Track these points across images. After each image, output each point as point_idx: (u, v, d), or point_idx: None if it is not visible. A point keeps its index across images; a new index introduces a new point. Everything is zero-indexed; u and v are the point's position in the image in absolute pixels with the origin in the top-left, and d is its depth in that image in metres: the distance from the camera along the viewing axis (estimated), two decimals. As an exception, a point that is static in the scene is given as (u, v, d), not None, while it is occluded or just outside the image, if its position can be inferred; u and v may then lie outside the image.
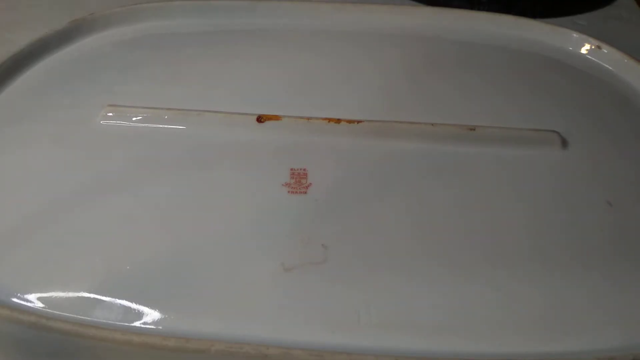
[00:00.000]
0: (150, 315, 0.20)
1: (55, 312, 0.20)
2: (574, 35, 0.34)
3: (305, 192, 0.24)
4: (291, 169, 0.25)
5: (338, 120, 0.27)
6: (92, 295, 0.21)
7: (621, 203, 0.24)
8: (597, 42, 0.33)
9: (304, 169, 0.25)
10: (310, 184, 0.25)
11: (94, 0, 0.45)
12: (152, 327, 0.20)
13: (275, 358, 0.18)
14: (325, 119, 0.27)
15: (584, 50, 0.33)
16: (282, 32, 0.35)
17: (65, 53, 0.34)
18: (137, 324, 0.20)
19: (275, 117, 0.27)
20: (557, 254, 0.22)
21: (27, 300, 0.21)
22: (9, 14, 0.47)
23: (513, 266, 0.21)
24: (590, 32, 0.48)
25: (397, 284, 0.21)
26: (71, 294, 0.21)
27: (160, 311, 0.20)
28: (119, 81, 0.32)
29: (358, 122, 0.27)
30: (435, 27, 0.34)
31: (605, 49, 0.33)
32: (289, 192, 0.24)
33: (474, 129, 0.26)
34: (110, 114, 0.29)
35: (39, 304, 0.21)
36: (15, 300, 0.21)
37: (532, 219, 0.23)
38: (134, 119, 0.28)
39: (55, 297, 0.21)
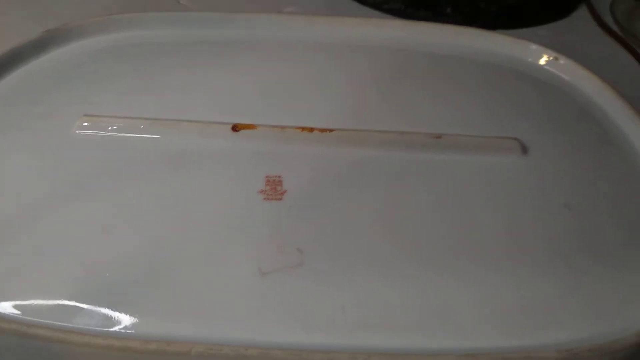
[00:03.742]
0: (130, 320, 0.21)
1: (35, 319, 0.20)
2: (533, 47, 0.35)
3: (281, 199, 0.25)
4: (266, 177, 0.26)
5: (311, 129, 0.28)
6: (71, 302, 0.21)
7: (577, 204, 0.26)
8: (554, 54, 0.35)
9: (279, 176, 0.26)
10: (285, 190, 0.26)
11: (67, 11, 0.46)
12: (132, 331, 0.20)
13: (254, 358, 0.19)
14: (299, 127, 0.28)
15: (542, 61, 0.35)
16: (255, 43, 0.36)
17: (40, 63, 0.34)
18: (117, 329, 0.20)
19: (250, 126, 0.28)
20: (520, 253, 0.24)
21: (7, 309, 0.21)
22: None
23: (478, 265, 0.23)
24: (550, 43, 0.50)
25: (371, 285, 0.22)
26: (49, 302, 0.22)
27: (140, 316, 0.21)
28: (94, 91, 0.32)
29: (330, 130, 0.28)
30: (402, 39, 0.36)
31: (562, 61, 0.35)
32: (264, 198, 0.25)
33: (440, 137, 0.28)
34: (86, 124, 0.29)
35: (18, 312, 0.21)
36: (-5, 308, 0.21)
37: (495, 221, 0.25)
38: (109, 128, 0.29)
39: (34, 304, 0.21)
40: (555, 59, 0.35)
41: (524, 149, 0.28)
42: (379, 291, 0.22)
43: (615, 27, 0.50)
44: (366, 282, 0.22)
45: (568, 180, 0.27)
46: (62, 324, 0.20)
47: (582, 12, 0.54)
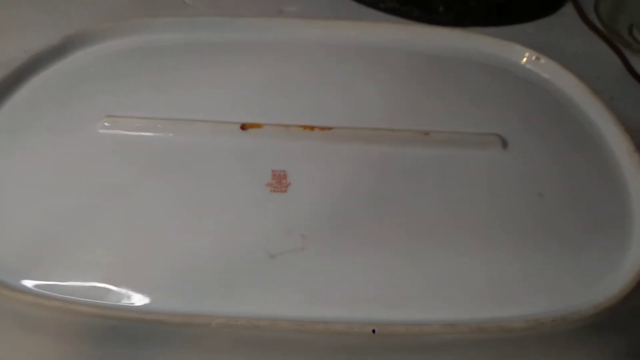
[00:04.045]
0: (160, 298, 0.24)
1: (77, 298, 0.24)
2: (516, 47, 0.38)
3: (285, 191, 0.28)
4: (272, 171, 0.29)
5: (312, 128, 0.31)
6: (105, 284, 0.25)
7: (550, 194, 0.29)
8: (536, 54, 0.38)
9: (284, 171, 0.29)
10: (290, 183, 0.29)
11: (83, 17, 0.48)
12: (162, 307, 0.23)
13: (265, 328, 0.22)
14: (301, 126, 0.31)
15: (524, 61, 0.38)
16: (259, 45, 0.38)
17: (61, 66, 0.37)
18: (148, 305, 0.24)
19: (257, 125, 0.31)
20: (497, 236, 0.27)
21: (51, 289, 0.24)
22: (4, 32, 0.49)
23: (459, 247, 0.26)
24: (537, 39, 0.53)
25: (364, 266, 0.25)
26: (89, 283, 0.25)
27: (168, 294, 0.24)
28: (112, 92, 0.35)
29: (329, 128, 0.31)
30: (395, 41, 0.38)
31: (543, 60, 0.38)
32: (270, 191, 0.28)
33: (428, 134, 0.31)
34: (108, 124, 0.32)
35: (61, 292, 0.24)
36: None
37: (476, 208, 0.28)
38: (130, 128, 0.32)
39: (75, 285, 0.25)
40: (537, 58, 0.38)
41: (504, 144, 0.31)
42: (371, 271, 0.25)
43: (599, 24, 0.53)
44: (360, 264, 0.25)
45: (543, 171, 0.30)
46: (100, 301, 0.24)
47: (568, 9, 0.56)
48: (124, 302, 0.24)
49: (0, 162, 0.30)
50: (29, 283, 0.24)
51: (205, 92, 0.35)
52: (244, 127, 0.31)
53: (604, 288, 0.25)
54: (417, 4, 0.53)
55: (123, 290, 0.24)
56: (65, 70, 0.37)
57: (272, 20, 0.40)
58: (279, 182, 0.29)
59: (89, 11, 0.53)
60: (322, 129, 0.31)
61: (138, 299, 0.24)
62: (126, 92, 0.35)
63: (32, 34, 0.50)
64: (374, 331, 0.22)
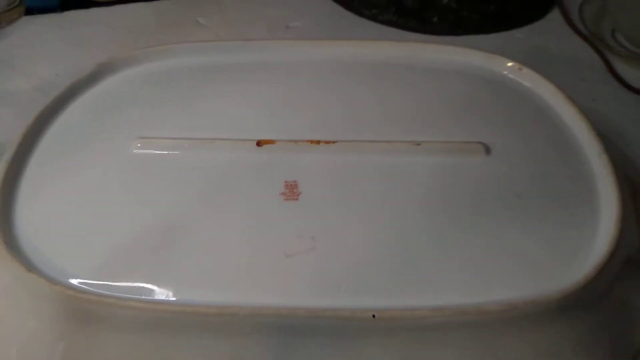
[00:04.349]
0: (195, 293, 0.29)
1: (126, 295, 0.29)
2: (500, 59, 0.42)
3: (297, 199, 0.33)
4: (285, 182, 0.34)
5: (318, 142, 0.36)
6: (148, 284, 0.29)
7: (527, 194, 0.33)
8: (518, 65, 0.42)
9: (295, 181, 0.34)
10: (300, 192, 0.33)
11: (111, 46, 0.53)
12: (198, 300, 0.28)
13: (284, 316, 0.27)
14: (309, 141, 0.36)
15: (507, 71, 0.42)
16: (270, 66, 0.43)
17: (95, 92, 0.42)
18: (186, 299, 0.28)
19: (271, 142, 0.36)
20: (479, 232, 0.31)
21: (101, 288, 0.29)
22: (45, 62, 0.54)
23: (447, 241, 0.31)
24: (526, 44, 0.57)
25: (365, 261, 0.30)
26: (133, 283, 0.30)
27: (202, 290, 0.29)
28: (141, 115, 0.40)
29: (333, 142, 0.36)
30: (390, 57, 0.43)
31: (525, 70, 0.42)
32: (284, 199, 0.33)
33: (420, 144, 0.35)
34: (140, 144, 0.37)
35: (110, 291, 0.29)
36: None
37: (460, 209, 0.32)
38: (160, 147, 0.37)
39: (123, 285, 0.30)
40: (519, 69, 0.42)
41: (488, 150, 0.36)
42: (371, 266, 0.29)
43: (583, 29, 0.57)
44: (361, 260, 0.30)
45: (521, 174, 0.35)
46: (145, 297, 0.29)
47: (555, 14, 0.60)
48: (166, 297, 0.29)
49: (49, 180, 0.35)
50: (79, 282, 0.29)
51: (224, 112, 0.39)
52: (259, 143, 0.36)
53: (571, 274, 0.29)
54: (413, 16, 0.57)
55: (164, 288, 0.29)
56: (99, 96, 0.42)
57: (281, 42, 0.44)
58: (291, 191, 0.33)
59: (111, 35, 0.58)
60: (327, 142, 0.36)
61: (177, 295, 0.29)
62: (154, 114, 0.40)
63: (61, 59, 0.55)
64: (374, 316, 0.26)
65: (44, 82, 0.51)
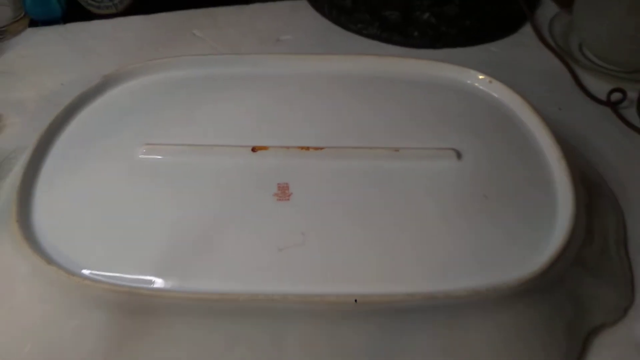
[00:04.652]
0: (199, 283, 0.32)
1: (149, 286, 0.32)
2: (472, 72, 0.47)
3: (289, 199, 0.37)
4: (278, 184, 0.38)
5: (308, 148, 0.40)
6: (154, 277, 0.33)
7: (493, 195, 0.37)
8: (489, 78, 0.46)
9: (287, 183, 0.38)
10: (292, 193, 0.37)
11: (116, 59, 0.57)
12: (202, 288, 0.32)
13: (278, 301, 0.31)
14: (299, 147, 0.40)
15: (478, 83, 0.46)
16: (263, 78, 0.47)
17: (101, 102, 0.45)
18: (193, 288, 0.32)
19: (265, 148, 0.40)
20: (449, 228, 0.35)
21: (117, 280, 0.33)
22: (50, 72, 0.58)
23: (421, 238, 0.35)
24: (500, 57, 0.62)
25: (349, 254, 0.34)
26: (139, 273, 0.33)
27: (205, 280, 0.33)
28: (146, 123, 0.43)
29: (321, 148, 0.40)
30: (373, 71, 0.47)
31: (494, 83, 0.46)
32: (277, 199, 0.37)
33: (398, 150, 0.39)
34: (146, 150, 0.40)
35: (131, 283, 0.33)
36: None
37: (433, 208, 0.36)
38: (164, 153, 0.40)
39: (131, 276, 0.33)
40: (490, 81, 0.46)
41: (459, 156, 0.40)
42: (353, 257, 0.33)
43: (552, 43, 0.61)
44: (345, 252, 0.34)
45: (488, 177, 0.39)
46: (153, 286, 0.32)
47: (527, 28, 0.65)
48: (172, 286, 0.32)
49: (62, 182, 0.39)
50: (90, 272, 0.33)
51: (222, 120, 0.43)
52: (254, 149, 0.40)
53: (529, 264, 0.33)
54: (396, 31, 0.62)
55: (170, 278, 0.33)
56: (106, 105, 0.45)
57: (273, 56, 0.48)
58: (283, 192, 0.37)
59: (113, 46, 0.61)
60: (316, 148, 0.40)
61: (182, 284, 0.32)
62: (157, 122, 0.43)
63: (65, 69, 0.58)
64: (356, 301, 0.30)
65: (50, 91, 0.55)
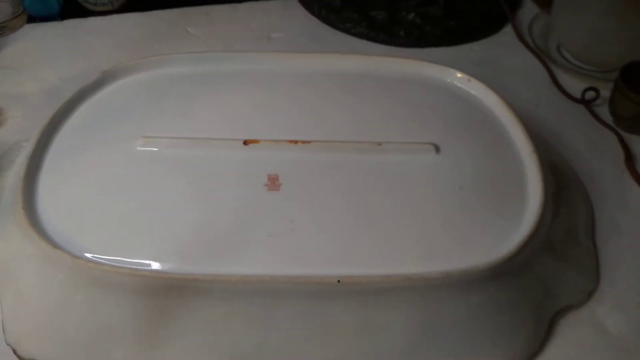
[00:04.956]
0: (192, 265, 0.35)
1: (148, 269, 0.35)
2: (452, 71, 0.49)
3: (278, 190, 0.39)
4: (268, 175, 0.40)
5: (296, 142, 0.42)
6: (143, 259, 0.36)
7: (468, 186, 0.40)
8: (467, 76, 0.49)
9: (277, 175, 0.40)
10: (281, 184, 0.40)
11: (115, 55, 0.59)
12: (194, 270, 0.34)
13: (268, 282, 0.34)
14: (288, 140, 0.42)
15: (458, 81, 0.49)
16: (255, 74, 0.49)
17: (100, 96, 0.48)
18: (189, 271, 0.35)
19: (256, 141, 0.42)
20: (426, 216, 0.38)
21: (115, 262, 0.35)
22: (49, 67, 0.60)
23: (399, 224, 0.37)
24: (481, 56, 0.64)
25: (333, 239, 0.36)
26: (138, 257, 0.36)
27: (195, 262, 0.35)
28: (143, 117, 0.46)
29: (309, 142, 0.42)
30: (359, 69, 0.49)
31: (473, 81, 0.49)
32: (267, 189, 0.40)
33: (381, 144, 0.42)
34: (144, 142, 0.43)
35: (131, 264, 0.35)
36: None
37: (412, 197, 0.39)
38: (161, 145, 0.43)
39: (131, 260, 0.36)
40: (468, 80, 0.49)
41: (437, 149, 0.43)
42: (337, 242, 0.36)
43: (532, 43, 0.64)
44: (330, 237, 0.37)
45: (464, 169, 0.42)
46: (152, 268, 0.35)
47: (508, 29, 0.68)
48: (168, 269, 0.35)
49: (64, 172, 0.41)
50: (92, 256, 0.35)
51: (215, 115, 0.45)
52: (246, 142, 0.42)
53: (498, 250, 0.36)
54: (383, 30, 0.64)
55: (166, 261, 0.35)
56: (104, 99, 0.48)
57: (265, 54, 0.50)
58: (273, 183, 0.40)
59: (109, 42, 0.63)
60: (304, 142, 0.42)
61: (178, 266, 0.35)
62: (154, 116, 0.46)
63: (63, 64, 0.60)
64: (339, 281, 0.33)
65: (50, 85, 0.57)
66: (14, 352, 0.35)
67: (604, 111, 0.56)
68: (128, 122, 0.45)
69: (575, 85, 0.59)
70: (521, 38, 0.66)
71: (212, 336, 0.34)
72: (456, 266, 0.35)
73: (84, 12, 0.67)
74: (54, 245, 0.36)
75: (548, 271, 0.39)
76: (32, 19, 0.66)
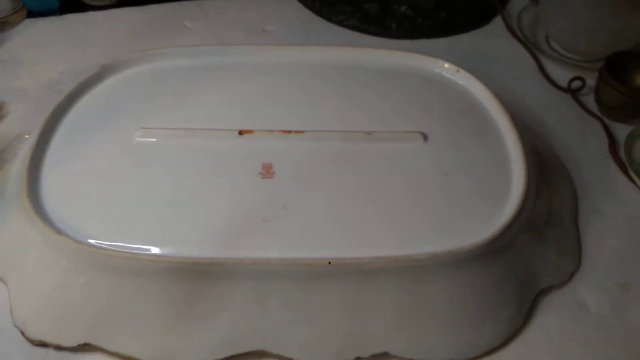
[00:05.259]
0: (190, 249, 0.37)
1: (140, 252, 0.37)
2: (440, 62, 0.51)
3: (272, 178, 0.41)
4: (262, 163, 0.42)
5: (289, 132, 0.44)
6: (145, 245, 0.37)
7: (454, 173, 0.42)
8: (455, 67, 0.51)
9: (270, 163, 0.42)
10: (275, 172, 0.41)
11: (113, 50, 0.60)
12: (193, 254, 0.36)
13: (263, 264, 0.35)
14: (282, 131, 0.44)
15: (446, 72, 0.51)
16: (249, 67, 0.51)
17: (100, 89, 0.49)
18: (186, 254, 0.36)
19: (250, 131, 0.44)
20: (413, 200, 0.40)
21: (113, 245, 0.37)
22: (49, 61, 0.61)
23: (389, 208, 0.39)
24: (471, 47, 0.66)
25: (324, 223, 0.38)
26: (139, 242, 0.38)
27: (193, 247, 0.37)
28: (141, 108, 0.47)
29: (302, 132, 0.44)
30: (350, 61, 0.51)
31: (461, 72, 0.50)
32: (262, 177, 0.41)
33: (371, 134, 0.44)
34: (142, 133, 0.44)
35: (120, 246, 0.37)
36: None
37: (401, 182, 0.41)
38: (159, 136, 0.44)
39: (131, 245, 0.37)
40: (457, 71, 0.51)
41: (425, 138, 0.44)
42: (329, 226, 0.38)
43: (520, 34, 0.66)
44: (322, 222, 0.38)
45: (451, 157, 0.43)
46: (152, 252, 0.37)
47: (497, 20, 0.69)
48: (168, 253, 0.37)
49: (66, 162, 0.43)
50: (95, 242, 0.37)
51: (211, 106, 0.47)
52: (240, 132, 0.44)
53: (482, 232, 0.38)
54: (375, 22, 0.66)
55: (166, 246, 0.37)
56: (104, 92, 0.49)
57: (258, 47, 0.52)
58: (267, 171, 0.41)
59: (107, 36, 0.65)
60: (297, 132, 0.44)
61: (177, 251, 0.37)
62: (152, 108, 0.47)
63: (63, 58, 0.62)
64: (329, 263, 0.35)
65: (50, 79, 0.58)
66: (22, 333, 0.37)
67: (589, 100, 0.58)
68: (127, 114, 0.47)
69: (562, 75, 0.61)
70: (510, 29, 0.67)
71: (207, 316, 0.36)
72: (442, 248, 0.37)
73: (82, 7, 0.69)
74: (58, 231, 0.37)
75: (531, 252, 0.41)
76: (31, 14, 0.67)
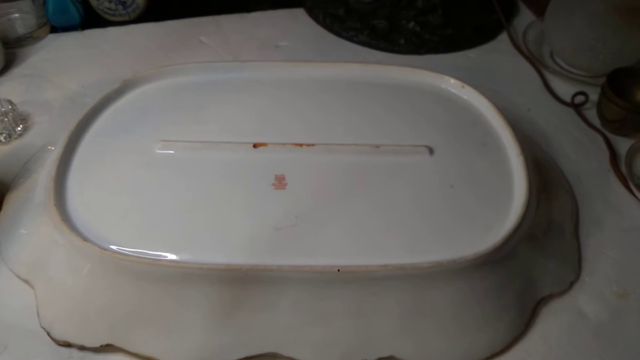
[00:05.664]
0: (206, 256, 0.39)
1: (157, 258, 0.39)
2: (446, 77, 0.53)
3: (285, 188, 0.43)
4: (275, 175, 0.44)
5: (301, 145, 0.46)
6: (168, 253, 0.40)
7: (458, 185, 0.44)
8: (461, 83, 0.53)
9: (283, 175, 0.44)
10: (287, 183, 0.44)
11: (134, 66, 0.63)
12: (210, 261, 0.38)
13: (275, 270, 0.37)
14: (294, 144, 0.46)
15: (452, 88, 0.53)
16: (263, 82, 0.53)
17: (122, 103, 0.52)
18: (202, 261, 0.39)
19: (264, 144, 0.46)
20: (419, 212, 0.42)
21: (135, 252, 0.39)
22: (72, 74, 0.64)
23: (396, 219, 0.41)
24: (477, 62, 0.68)
25: (334, 232, 0.40)
26: (159, 249, 0.40)
27: (209, 253, 0.39)
28: (161, 122, 0.50)
29: (313, 145, 0.46)
30: (358, 76, 0.53)
31: (467, 88, 0.52)
32: (274, 188, 0.43)
33: (379, 147, 0.46)
34: (162, 145, 0.47)
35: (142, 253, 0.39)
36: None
37: (408, 195, 0.43)
38: (178, 148, 0.47)
39: (152, 252, 0.40)
40: (462, 87, 0.53)
41: (431, 151, 0.46)
42: (338, 235, 0.40)
43: (525, 50, 0.67)
44: (331, 231, 0.40)
45: (456, 170, 0.45)
46: (170, 258, 0.39)
47: (503, 37, 0.71)
48: (186, 259, 0.39)
49: (90, 173, 0.45)
50: (117, 248, 0.39)
51: (227, 120, 0.49)
52: (255, 145, 0.46)
53: (485, 242, 0.40)
54: (383, 38, 0.68)
55: (183, 252, 0.39)
56: (125, 106, 0.52)
57: (272, 63, 0.54)
58: (280, 182, 0.44)
59: (127, 51, 0.68)
60: (309, 145, 0.46)
61: (194, 257, 0.39)
62: (171, 121, 0.50)
63: (85, 72, 0.64)
64: (339, 270, 0.37)
65: (73, 92, 0.61)
66: (48, 334, 0.39)
67: (592, 114, 0.59)
68: (147, 127, 0.49)
69: (566, 90, 0.63)
70: (516, 45, 0.69)
71: (222, 319, 0.38)
72: (446, 257, 0.38)
73: (103, 23, 0.72)
74: (83, 238, 0.40)
75: (532, 262, 0.42)
76: (54, 30, 0.70)
